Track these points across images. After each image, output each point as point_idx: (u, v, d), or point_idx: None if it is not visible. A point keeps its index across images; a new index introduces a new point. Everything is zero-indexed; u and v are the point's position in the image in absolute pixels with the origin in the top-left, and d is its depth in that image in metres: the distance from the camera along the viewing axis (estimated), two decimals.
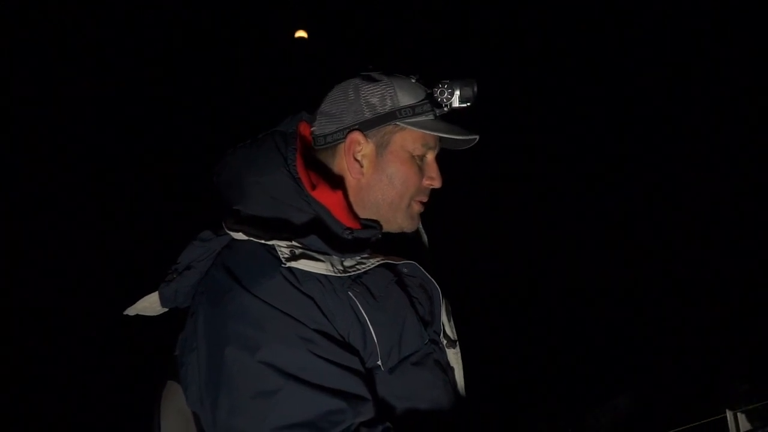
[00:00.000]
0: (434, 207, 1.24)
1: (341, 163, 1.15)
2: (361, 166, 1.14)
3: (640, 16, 4.84)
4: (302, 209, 1.08)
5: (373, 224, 1.16)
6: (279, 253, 1.01)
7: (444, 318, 1.19)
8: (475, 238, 4.30)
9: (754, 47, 4.32)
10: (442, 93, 1.13)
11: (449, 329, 1.20)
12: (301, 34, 5.77)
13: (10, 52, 4.11)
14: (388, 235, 1.19)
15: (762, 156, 4.16)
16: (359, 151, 1.13)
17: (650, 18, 4.80)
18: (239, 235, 1.04)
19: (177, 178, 4.32)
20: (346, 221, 1.11)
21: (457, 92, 1.13)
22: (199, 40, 5.06)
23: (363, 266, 1.07)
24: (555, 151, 5.00)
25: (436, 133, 1.14)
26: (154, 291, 1.11)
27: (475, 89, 1.14)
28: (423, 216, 1.24)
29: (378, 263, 1.09)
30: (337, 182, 1.15)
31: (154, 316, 1.15)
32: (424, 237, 1.37)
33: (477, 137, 1.17)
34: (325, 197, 1.10)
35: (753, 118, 4.35)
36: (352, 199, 1.15)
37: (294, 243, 1.02)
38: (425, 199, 1.21)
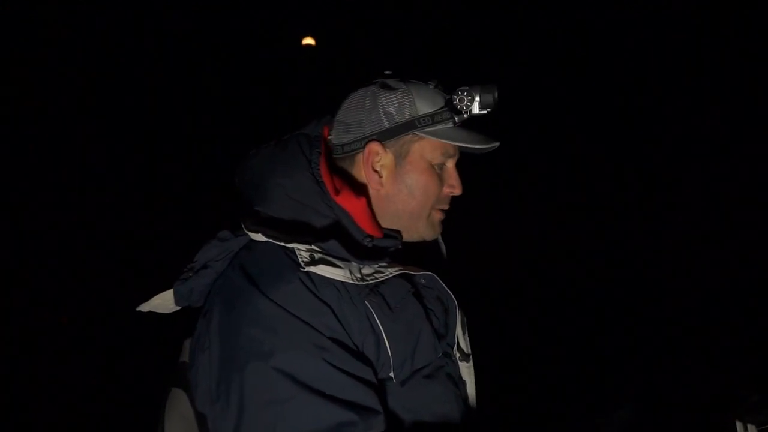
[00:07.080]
0: (452, 217, 1.22)
1: (360, 173, 1.14)
2: (381, 177, 1.12)
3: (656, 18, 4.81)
4: (324, 214, 1.07)
5: (394, 234, 1.15)
6: (298, 256, 1.00)
7: (459, 331, 1.17)
8: (490, 249, 4.28)
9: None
10: (461, 100, 1.11)
11: (463, 342, 1.19)
12: (308, 41, 5.79)
13: (10, 51, 4.13)
14: (407, 244, 1.17)
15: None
16: (378, 162, 1.12)
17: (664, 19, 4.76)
18: (258, 236, 1.03)
19: (194, 177, 4.34)
20: (368, 229, 1.10)
21: (477, 99, 1.11)
22: (207, 47, 5.08)
23: (381, 275, 1.05)
24: (576, 164, 4.99)
25: (456, 143, 1.12)
26: (168, 289, 1.09)
27: (496, 95, 1.12)
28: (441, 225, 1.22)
29: (396, 273, 1.07)
30: (359, 189, 1.13)
31: (166, 314, 1.13)
32: (443, 247, 1.36)
33: (498, 144, 1.14)
34: (349, 203, 1.09)
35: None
36: (373, 208, 1.14)
37: (313, 247, 1.01)
38: (446, 207, 1.19)
